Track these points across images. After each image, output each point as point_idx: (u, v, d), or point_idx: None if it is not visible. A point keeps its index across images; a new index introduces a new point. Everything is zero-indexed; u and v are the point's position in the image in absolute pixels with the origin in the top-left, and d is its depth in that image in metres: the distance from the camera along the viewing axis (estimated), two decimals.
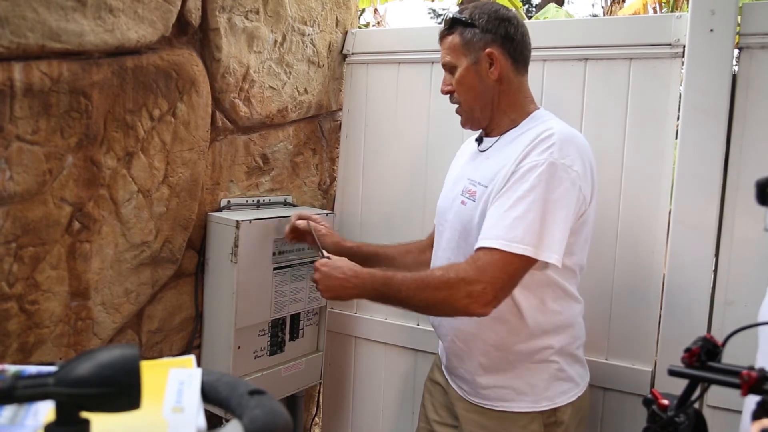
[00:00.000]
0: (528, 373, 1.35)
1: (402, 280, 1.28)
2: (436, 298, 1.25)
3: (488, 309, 1.22)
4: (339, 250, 1.56)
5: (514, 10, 1.41)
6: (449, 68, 1.42)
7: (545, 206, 1.22)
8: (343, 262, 1.38)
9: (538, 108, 1.42)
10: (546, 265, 1.26)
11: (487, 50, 1.36)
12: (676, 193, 1.57)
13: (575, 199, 1.25)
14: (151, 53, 1.46)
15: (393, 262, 1.64)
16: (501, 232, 1.21)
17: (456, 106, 1.44)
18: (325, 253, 1.44)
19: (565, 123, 1.37)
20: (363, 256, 1.60)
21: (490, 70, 1.36)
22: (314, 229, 1.61)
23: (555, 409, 1.35)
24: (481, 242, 1.23)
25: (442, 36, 1.42)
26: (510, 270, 1.21)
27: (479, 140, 1.47)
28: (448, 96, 1.45)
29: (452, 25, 1.40)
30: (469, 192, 1.37)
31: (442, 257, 1.45)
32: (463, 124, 1.46)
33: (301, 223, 1.64)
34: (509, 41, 1.37)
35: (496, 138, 1.40)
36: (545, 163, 1.23)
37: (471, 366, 1.40)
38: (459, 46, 1.38)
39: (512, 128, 1.38)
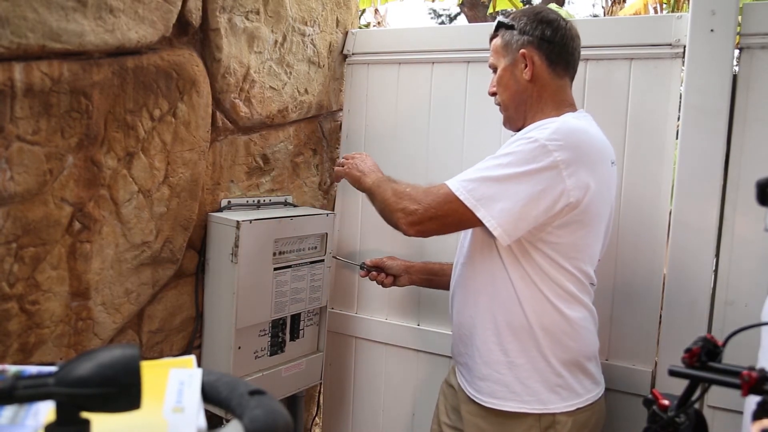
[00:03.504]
0: (523, 372, 1.33)
1: (389, 183, 1.44)
2: (387, 201, 1.38)
3: (411, 229, 1.33)
4: (409, 267, 1.75)
5: (558, 13, 1.41)
6: (493, 69, 1.46)
7: (510, 175, 1.24)
8: (372, 159, 1.59)
9: (576, 111, 1.40)
10: (526, 248, 1.29)
11: (522, 51, 1.38)
12: (676, 193, 1.57)
13: (547, 183, 1.23)
14: (152, 53, 1.46)
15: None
16: (461, 176, 1.30)
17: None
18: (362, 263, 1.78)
19: (588, 123, 1.35)
20: (430, 272, 1.74)
21: (524, 70, 1.38)
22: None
23: (554, 418, 1.31)
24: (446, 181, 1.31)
25: (490, 39, 1.47)
26: (446, 207, 1.28)
27: None
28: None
29: (497, 28, 1.44)
30: None
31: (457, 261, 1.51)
32: (503, 124, 1.49)
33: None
34: (546, 43, 1.37)
35: None
36: (530, 138, 1.26)
37: (471, 350, 1.40)
38: (500, 47, 1.43)
39: None
